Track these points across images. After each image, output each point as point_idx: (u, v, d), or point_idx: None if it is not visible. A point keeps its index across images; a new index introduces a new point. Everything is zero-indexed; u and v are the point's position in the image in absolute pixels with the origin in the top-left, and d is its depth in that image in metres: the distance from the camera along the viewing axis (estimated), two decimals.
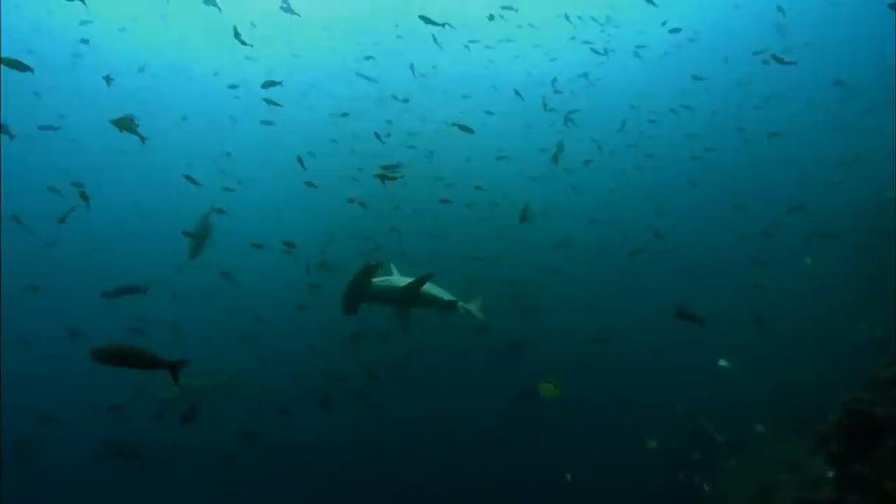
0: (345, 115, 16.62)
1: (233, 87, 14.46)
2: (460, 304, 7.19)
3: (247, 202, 16.93)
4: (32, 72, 5.95)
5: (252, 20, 17.78)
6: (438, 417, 14.74)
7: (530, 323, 15.38)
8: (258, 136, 18.58)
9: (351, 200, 12.01)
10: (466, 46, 16.47)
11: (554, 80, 16.05)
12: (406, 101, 16.75)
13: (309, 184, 10.66)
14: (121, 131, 6.38)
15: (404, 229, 17.42)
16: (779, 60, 9.04)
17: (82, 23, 15.28)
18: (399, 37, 18.11)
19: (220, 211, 12.66)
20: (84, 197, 7.46)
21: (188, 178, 9.71)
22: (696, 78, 15.22)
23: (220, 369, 13.02)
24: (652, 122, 15.98)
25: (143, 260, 18.34)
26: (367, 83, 17.96)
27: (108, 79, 8.81)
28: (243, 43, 9.81)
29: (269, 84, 9.78)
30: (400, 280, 6.41)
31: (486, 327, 7.95)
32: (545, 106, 14.85)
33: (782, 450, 9.41)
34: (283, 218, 18.40)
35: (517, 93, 12.85)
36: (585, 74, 17.59)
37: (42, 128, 10.20)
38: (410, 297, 6.30)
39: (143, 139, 6.71)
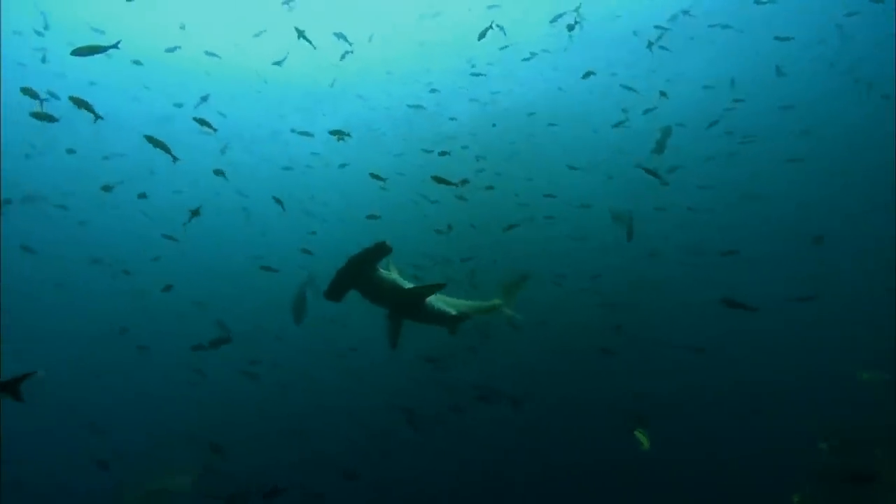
0: (429, 151, 16.11)
1: (306, 134, 15.05)
2: (477, 306, 5.92)
3: (331, 239, 17.35)
4: (101, 118, 6.58)
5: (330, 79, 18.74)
6: (540, 441, 13.77)
7: (625, 335, 14.07)
8: (334, 179, 19.13)
9: (446, 229, 11.85)
10: (526, 59, 15.88)
11: (660, 37, 14.28)
12: (494, 125, 16.32)
13: (372, 216, 10.63)
14: (154, 146, 6.83)
15: (486, 250, 16.93)
16: None
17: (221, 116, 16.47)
18: (474, 70, 17.83)
19: (307, 252, 13.05)
20: (195, 213, 7.89)
21: (277, 200, 10.16)
22: (782, 39, 13.25)
23: (192, 463, 12.57)
24: (739, 101, 14.20)
25: (248, 303, 19.42)
26: (430, 116, 18.00)
27: (205, 123, 9.07)
28: (310, 42, 10.02)
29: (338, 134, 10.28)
30: (403, 281, 5.16)
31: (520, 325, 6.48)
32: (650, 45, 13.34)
33: None
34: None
35: (588, 75, 12.32)
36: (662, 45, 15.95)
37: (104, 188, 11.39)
38: (412, 304, 5.10)
39: (175, 159, 6.97)
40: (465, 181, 11.45)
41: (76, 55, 5.96)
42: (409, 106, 16.93)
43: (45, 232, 18.87)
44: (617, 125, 14.23)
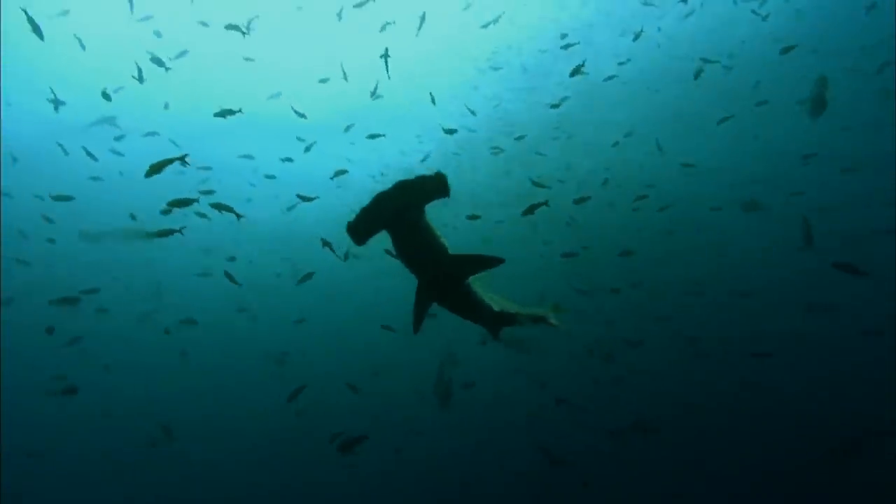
0: (539, 185, 15.31)
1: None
2: (521, 315, 4.43)
3: None
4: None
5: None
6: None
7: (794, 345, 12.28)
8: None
9: (568, 255, 11.53)
10: (607, 80, 15.34)
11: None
12: (615, 144, 15.78)
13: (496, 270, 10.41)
14: (221, 212, 7.30)
15: (607, 272, 16.12)
16: None
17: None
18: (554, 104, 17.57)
19: (431, 315, 13.35)
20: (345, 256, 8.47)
21: (388, 252, 10.37)
22: None
23: None
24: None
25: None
26: (516, 159, 17.93)
27: (305, 198, 9.82)
28: (386, 64, 9.85)
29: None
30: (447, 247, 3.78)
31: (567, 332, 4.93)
32: None
33: None
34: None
35: (699, 74, 11.59)
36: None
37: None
38: (453, 279, 3.79)
39: (238, 217, 7.36)
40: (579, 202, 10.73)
41: (151, 175, 5.97)
42: (491, 153, 17.01)
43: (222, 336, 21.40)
44: (723, 121, 13.04)
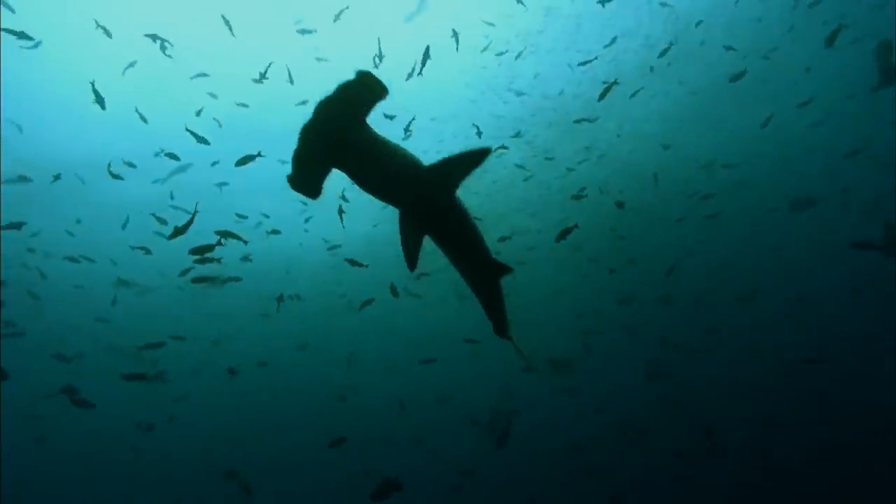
0: (579, 196, 13.70)
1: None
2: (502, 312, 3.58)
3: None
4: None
5: None
6: None
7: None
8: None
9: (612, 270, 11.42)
10: (630, 97, 15.34)
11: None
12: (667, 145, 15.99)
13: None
14: (227, 239, 7.80)
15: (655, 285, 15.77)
16: None
17: None
18: (579, 119, 17.73)
19: (473, 340, 13.37)
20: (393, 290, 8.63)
21: (420, 273, 10.58)
22: None
23: None
24: None
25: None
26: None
27: (335, 247, 9.78)
28: (423, 63, 9.84)
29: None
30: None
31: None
32: None
33: None
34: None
35: (739, 77, 11.57)
36: None
37: None
38: (437, 201, 3.04)
39: (245, 242, 8.13)
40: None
41: (174, 237, 6.83)
42: (523, 177, 17.20)
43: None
44: (766, 123, 12.73)
